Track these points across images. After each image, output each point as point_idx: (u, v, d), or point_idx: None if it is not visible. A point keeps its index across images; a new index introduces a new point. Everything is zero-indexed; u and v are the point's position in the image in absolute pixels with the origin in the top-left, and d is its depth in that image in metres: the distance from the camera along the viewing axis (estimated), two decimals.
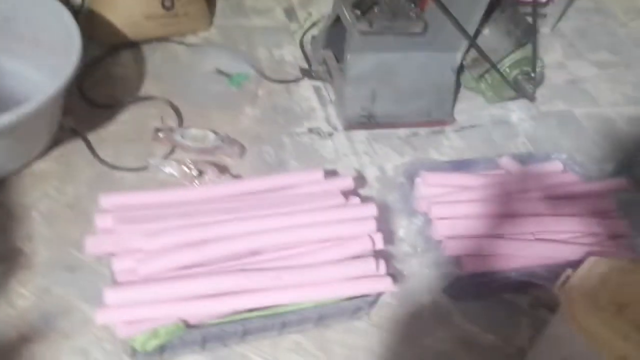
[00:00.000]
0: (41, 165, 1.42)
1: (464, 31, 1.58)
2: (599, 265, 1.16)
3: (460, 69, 1.78)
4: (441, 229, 1.33)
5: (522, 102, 1.91)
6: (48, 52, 1.42)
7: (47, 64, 1.41)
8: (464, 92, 1.89)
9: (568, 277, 1.15)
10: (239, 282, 1.10)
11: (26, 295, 1.20)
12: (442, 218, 1.35)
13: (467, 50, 1.70)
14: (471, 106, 1.87)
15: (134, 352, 1.10)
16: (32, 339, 1.14)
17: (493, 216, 1.38)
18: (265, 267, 1.16)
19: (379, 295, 1.28)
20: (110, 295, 1.06)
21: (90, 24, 1.67)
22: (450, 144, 1.74)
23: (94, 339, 1.16)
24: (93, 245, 1.15)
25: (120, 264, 1.13)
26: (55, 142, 1.45)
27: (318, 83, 1.81)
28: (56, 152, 1.45)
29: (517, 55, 1.71)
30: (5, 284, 1.20)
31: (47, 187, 1.38)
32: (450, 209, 1.36)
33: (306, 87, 1.79)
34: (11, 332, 1.14)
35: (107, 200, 1.23)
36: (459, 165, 1.55)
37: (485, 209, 1.38)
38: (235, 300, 1.11)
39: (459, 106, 1.85)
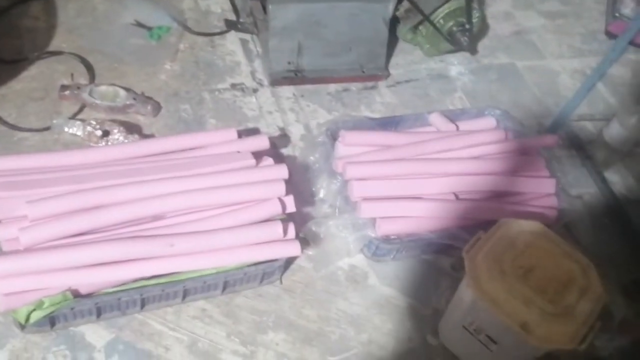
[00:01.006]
0: None
1: None
2: (508, 227, 1.12)
3: (395, 21, 1.69)
4: (356, 190, 1.28)
5: (463, 55, 1.84)
6: None
7: None
8: (401, 46, 1.81)
9: (478, 240, 1.12)
10: (127, 250, 1.05)
11: None
12: (358, 179, 1.29)
13: (400, 1, 1.61)
14: (408, 60, 1.79)
15: (22, 324, 1.05)
16: None
17: (413, 176, 1.33)
18: (160, 234, 1.10)
19: (289, 259, 1.24)
20: None
21: None
22: (382, 100, 1.67)
23: None
24: None
25: (4, 233, 1.06)
26: None
27: (245, 36, 1.71)
28: None
29: (452, 5, 1.63)
30: None
31: None
32: (366, 170, 1.30)
33: (232, 41, 1.70)
34: None
35: None
36: (386, 123, 1.48)
37: (405, 169, 1.32)
38: (125, 269, 1.06)
39: (395, 60, 1.78)
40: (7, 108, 1.39)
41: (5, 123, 1.36)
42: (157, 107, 1.47)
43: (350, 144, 1.36)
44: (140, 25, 1.64)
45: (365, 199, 1.29)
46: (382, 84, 1.71)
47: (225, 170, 1.22)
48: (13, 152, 1.31)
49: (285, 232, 1.18)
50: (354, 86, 1.68)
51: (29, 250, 1.04)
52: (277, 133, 1.51)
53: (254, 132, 1.49)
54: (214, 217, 1.17)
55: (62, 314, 1.07)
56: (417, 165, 1.34)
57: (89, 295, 1.07)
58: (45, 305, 1.02)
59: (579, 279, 1.06)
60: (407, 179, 1.32)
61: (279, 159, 1.35)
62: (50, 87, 1.45)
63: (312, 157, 1.44)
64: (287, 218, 1.22)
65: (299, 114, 1.58)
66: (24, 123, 1.38)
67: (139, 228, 1.14)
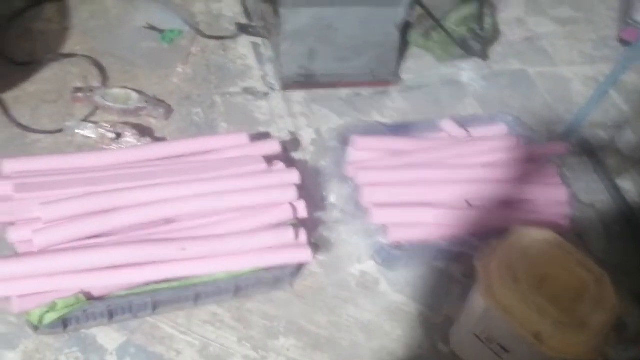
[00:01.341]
0: None
1: None
2: (521, 236, 1.11)
3: (407, 26, 1.69)
4: (368, 196, 1.27)
5: (475, 61, 1.83)
6: None
7: None
8: (413, 51, 1.81)
9: (490, 248, 1.11)
10: (139, 254, 1.05)
11: None
12: (369, 184, 1.29)
13: (412, 6, 1.61)
14: (420, 65, 1.79)
15: (35, 325, 1.06)
16: None
17: (425, 183, 1.33)
18: (172, 238, 1.11)
19: (300, 265, 1.24)
20: (1, 268, 1.00)
21: None
22: (394, 105, 1.67)
23: None
24: None
25: (18, 235, 1.07)
26: None
27: (257, 40, 1.72)
28: None
29: (464, 11, 1.63)
30: None
31: None
32: (377, 175, 1.30)
33: (244, 44, 1.70)
34: None
35: (9, 165, 1.16)
36: (397, 128, 1.48)
37: (416, 175, 1.32)
38: (137, 272, 1.06)
39: (407, 65, 1.77)
40: (20, 110, 1.40)
41: (19, 125, 1.36)
42: (169, 110, 1.48)
43: (362, 149, 1.36)
44: (152, 28, 1.64)
45: (377, 205, 1.28)
46: (393, 89, 1.70)
47: (236, 174, 1.22)
48: (26, 154, 1.31)
49: (296, 237, 1.18)
50: (365, 91, 1.68)
51: (42, 252, 1.04)
52: (288, 137, 1.51)
53: (265, 136, 1.49)
54: (225, 222, 1.17)
55: (74, 316, 1.07)
56: (428, 172, 1.33)
57: (101, 298, 1.08)
58: (58, 307, 1.02)
59: (592, 288, 1.05)
60: (419, 186, 1.32)
61: (290, 163, 1.35)
62: (63, 90, 1.46)
63: (323, 162, 1.44)
64: (298, 223, 1.22)
65: (310, 118, 1.58)
66: (37, 125, 1.38)
67: (151, 231, 1.15)
